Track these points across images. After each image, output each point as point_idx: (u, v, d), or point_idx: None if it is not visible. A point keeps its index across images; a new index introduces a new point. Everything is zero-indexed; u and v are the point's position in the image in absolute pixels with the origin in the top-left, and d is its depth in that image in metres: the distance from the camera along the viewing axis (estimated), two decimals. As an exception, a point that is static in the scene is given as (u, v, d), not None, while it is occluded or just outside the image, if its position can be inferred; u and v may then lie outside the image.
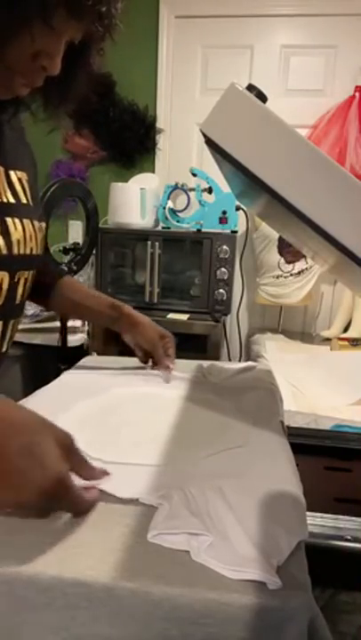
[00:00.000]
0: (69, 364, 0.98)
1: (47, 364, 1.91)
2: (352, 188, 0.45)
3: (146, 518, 0.48)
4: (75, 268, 2.09)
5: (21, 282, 0.76)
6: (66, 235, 2.58)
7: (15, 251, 0.72)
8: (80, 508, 0.46)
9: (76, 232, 2.58)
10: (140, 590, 0.39)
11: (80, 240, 2.24)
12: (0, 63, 0.59)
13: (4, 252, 0.70)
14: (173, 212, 2.17)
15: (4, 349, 0.77)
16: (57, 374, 0.93)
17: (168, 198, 2.18)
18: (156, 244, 2.11)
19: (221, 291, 2.09)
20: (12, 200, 0.72)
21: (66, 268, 2.03)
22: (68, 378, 0.92)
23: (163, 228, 2.20)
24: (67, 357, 1.88)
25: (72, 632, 0.40)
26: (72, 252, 2.14)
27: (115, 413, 0.74)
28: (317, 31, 2.33)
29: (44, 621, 0.41)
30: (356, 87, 2.28)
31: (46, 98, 0.69)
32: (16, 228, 0.72)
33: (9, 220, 0.71)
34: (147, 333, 0.96)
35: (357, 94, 2.27)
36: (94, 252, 2.19)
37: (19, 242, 0.72)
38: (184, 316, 2.12)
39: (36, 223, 0.76)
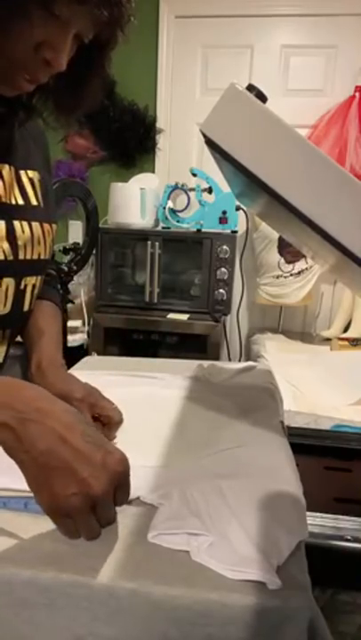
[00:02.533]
0: (69, 364, 0.98)
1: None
2: (352, 188, 0.45)
3: (146, 518, 0.48)
4: (75, 267, 2.09)
5: (29, 288, 0.73)
6: (66, 235, 2.58)
7: (22, 255, 0.69)
8: (128, 494, 0.44)
9: (76, 232, 2.57)
10: (140, 590, 0.39)
11: (80, 240, 2.24)
12: (1, 54, 0.55)
13: (10, 257, 0.67)
14: (173, 212, 2.17)
15: (7, 355, 0.75)
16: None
17: (168, 198, 2.18)
18: (156, 243, 2.11)
19: (221, 291, 2.09)
20: (20, 202, 0.69)
21: (66, 268, 2.03)
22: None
23: (163, 228, 2.20)
24: (67, 357, 1.88)
25: (72, 632, 0.40)
26: (72, 251, 2.14)
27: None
28: (317, 31, 2.33)
29: (43, 621, 0.41)
30: (357, 87, 2.28)
31: (58, 104, 0.66)
32: (23, 232, 0.69)
33: (16, 223, 0.68)
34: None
35: (357, 94, 2.27)
36: (94, 251, 2.19)
37: (25, 246, 0.69)
38: (184, 316, 2.12)
39: (45, 226, 0.73)
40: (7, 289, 0.68)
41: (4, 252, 0.65)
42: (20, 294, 0.71)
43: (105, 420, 0.67)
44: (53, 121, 0.67)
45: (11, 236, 0.67)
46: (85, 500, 0.40)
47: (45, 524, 0.46)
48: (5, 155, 0.67)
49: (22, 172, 0.70)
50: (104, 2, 0.53)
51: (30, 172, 0.72)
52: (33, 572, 0.41)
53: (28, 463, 0.42)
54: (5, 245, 0.66)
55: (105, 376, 0.91)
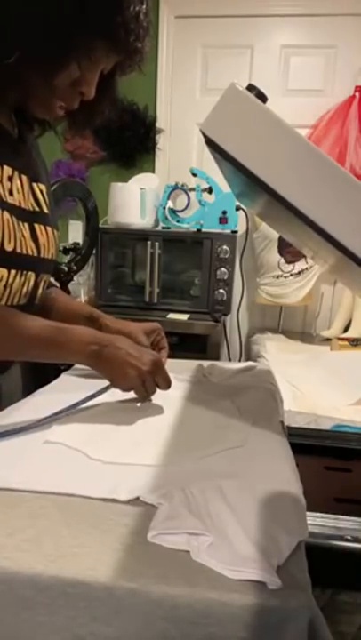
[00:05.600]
0: (69, 364, 0.98)
1: (47, 364, 1.90)
2: (352, 187, 0.45)
3: (146, 518, 0.48)
4: (75, 268, 2.08)
5: (41, 284, 0.82)
6: (66, 235, 2.58)
7: (42, 254, 0.80)
8: (168, 380, 0.75)
9: (76, 232, 2.57)
10: (140, 590, 0.39)
11: (80, 240, 2.24)
12: (46, 88, 0.68)
13: (35, 254, 0.78)
14: (173, 211, 2.17)
15: None
16: (57, 375, 0.93)
17: (168, 198, 2.18)
18: (156, 243, 2.11)
19: (221, 291, 2.09)
20: (36, 208, 0.80)
21: (66, 268, 2.03)
22: (68, 378, 0.92)
23: (163, 228, 2.20)
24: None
25: (72, 632, 0.40)
26: (72, 251, 2.14)
27: (115, 414, 0.74)
28: (317, 31, 2.33)
29: (43, 621, 0.41)
30: (357, 87, 2.28)
31: (74, 121, 0.78)
32: (42, 234, 0.80)
33: (36, 226, 0.79)
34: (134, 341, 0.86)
35: (357, 94, 2.27)
36: (94, 251, 2.19)
37: (44, 246, 0.80)
38: (184, 316, 2.12)
39: (54, 231, 0.84)
40: (29, 282, 0.78)
41: (31, 249, 0.77)
42: (35, 288, 0.81)
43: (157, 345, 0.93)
44: (66, 134, 0.81)
45: (34, 236, 0.78)
46: (140, 376, 0.72)
47: (45, 524, 0.46)
48: (24, 167, 0.77)
49: (34, 184, 0.80)
50: (133, 52, 0.68)
51: (40, 185, 0.82)
52: (33, 572, 0.41)
53: (107, 369, 0.73)
54: (32, 244, 0.77)
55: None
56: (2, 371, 0.85)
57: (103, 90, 0.73)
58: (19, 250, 0.74)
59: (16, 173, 0.74)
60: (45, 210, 0.82)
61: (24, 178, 0.77)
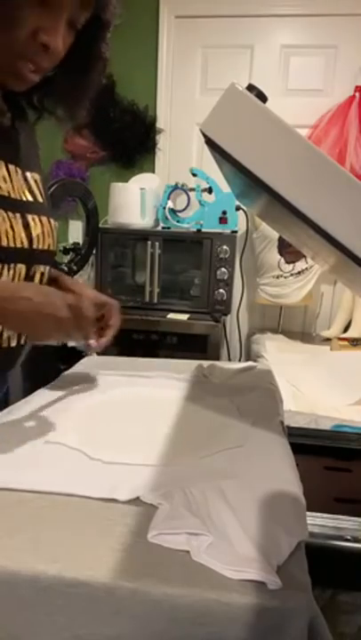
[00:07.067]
0: (69, 364, 0.98)
1: (47, 364, 1.91)
2: (352, 188, 0.45)
3: (146, 518, 0.48)
4: (75, 268, 2.09)
5: (37, 276, 0.80)
6: (66, 235, 2.58)
7: (35, 245, 0.77)
8: (90, 322, 0.69)
9: (76, 232, 2.57)
10: (140, 590, 0.39)
11: (80, 240, 2.24)
12: (3, 46, 0.62)
13: (26, 246, 0.75)
14: (173, 212, 2.17)
15: (22, 342, 0.79)
16: (57, 374, 0.93)
17: (168, 198, 2.17)
18: (156, 243, 2.10)
19: (221, 291, 2.09)
20: (30, 198, 0.78)
21: (66, 268, 2.03)
22: (68, 378, 0.92)
23: (163, 228, 2.20)
24: (67, 357, 1.88)
25: (72, 632, 0.40)
26: (72, 252, 2.14)
27: (115, 414, 0.74)
28: (317, 31, 2.33)
29: (43, 621, 0.41)
30: (357, 87, 2.28)
31: (64, 94, 0.73)
32: (36, 224, 0.77)
33: (29, 216, 0.76)
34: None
35: (357, 94, 2.27)
36: (94, 251, 2.19)
37: (38, 237, 0.78)
38: (184, 316, 2.12)
39: (51, 221, 0.82)
40: (19, 275, 0.76)
41: (22, 241, 0.74)
42: (29, 280, 0.78)
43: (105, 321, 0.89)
44: (63, 115, 0.76)
45: (26, 227, 0.75)
46: (60, 327, 0.63)
47: (45, 524, 0.46)
48: (15, 157, 0.75)
49: (28, 173, 0.78)
50: None
51: (33, 174, 0.80)
52: (33, 572, 0.41)
53: (17, 325, 0.66)
54: (23, 235, 0.75)
55: (105, 376, 0.91)
56: (10, 366, 0.83)
57: (84, 50, 0.68)
58: (4, 243, 0.71)
59: (2, 162, 0.72)
60: (40, 199, 0.80)
61: (16, 167, 0.75)
